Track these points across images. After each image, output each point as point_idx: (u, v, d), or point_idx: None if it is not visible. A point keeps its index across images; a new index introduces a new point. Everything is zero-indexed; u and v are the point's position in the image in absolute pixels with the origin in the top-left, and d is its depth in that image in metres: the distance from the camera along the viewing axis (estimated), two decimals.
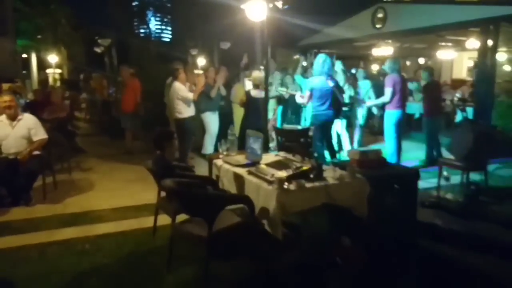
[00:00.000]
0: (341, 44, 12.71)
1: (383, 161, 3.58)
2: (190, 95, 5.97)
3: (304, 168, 3.18)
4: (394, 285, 2.98)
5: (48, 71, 19.22)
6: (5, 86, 9.03)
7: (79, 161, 6.89)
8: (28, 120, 4.77)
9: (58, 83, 17.34)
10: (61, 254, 3.47)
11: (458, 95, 11.39)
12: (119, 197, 5.02)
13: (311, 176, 3.12)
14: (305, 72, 7.69)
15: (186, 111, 6.05)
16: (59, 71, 19.17)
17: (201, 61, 14.58)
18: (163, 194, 3.62)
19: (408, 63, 19.15)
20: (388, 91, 6.15)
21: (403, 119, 6.27)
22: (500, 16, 6.99)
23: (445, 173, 4.94)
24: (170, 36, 35.01)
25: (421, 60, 18.92)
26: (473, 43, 9.48)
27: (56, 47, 15.46)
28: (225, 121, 6.85)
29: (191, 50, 8.62)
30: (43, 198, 4.81)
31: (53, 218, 4.28)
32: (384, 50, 13.36)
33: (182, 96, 5.95)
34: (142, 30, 29.83)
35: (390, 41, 12.56)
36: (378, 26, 10.51)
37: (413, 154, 6.87)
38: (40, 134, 4.79)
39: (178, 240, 3.23)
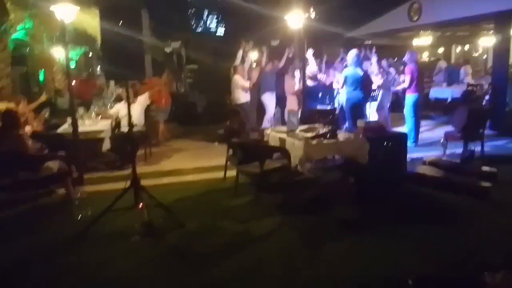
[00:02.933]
0: (383, 36, 13.86)
1: (381, 128, 5.09)
2: (246, 83, 7.82)
3: (323, 131, 4.80)
4: (378, 206, 4.52)
5: None
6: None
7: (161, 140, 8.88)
8: (140, 100, 6.86)
9: None
10: (165, 190, 5.32)
11: None
12: (195, 161, 6.86)
13: (328, 136, 4.73)
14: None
15: (243, 98, 7.90)
16: None
17: (254, 55, 16.39)
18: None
19: (458, 49, 19.65)
20: (407, 78, 7.50)
21: (420, 101, 7.59)
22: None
23: (441, 140, 6.28)
24: (223, 32, 36.48)
25: (468, 47, 19.36)
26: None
27: None
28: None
29: (242, 45, 10.38)
30: (145, 161, 6.80)
31: (155, 173, 6.19)
32: (424, 40, 14.35)
33: (241, 85, 7.81)
34: (199, 27, 31.98)
35: (429, 31, 13.48)
36: (414, 18, 11.59)
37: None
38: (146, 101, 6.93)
39: (240, 184, 5.00)
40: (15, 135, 4.48)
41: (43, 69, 12.48)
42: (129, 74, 4.11)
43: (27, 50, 9.54)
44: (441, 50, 19.87)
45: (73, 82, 13.47)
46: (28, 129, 5.17)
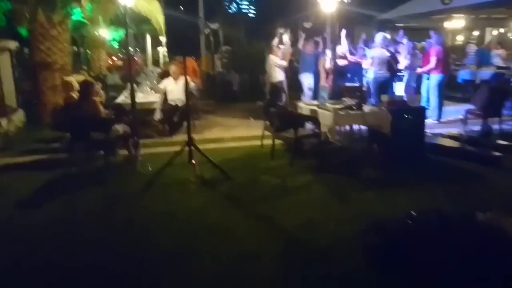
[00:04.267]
0: (415, 18, 14.09)
1: (403, 103, 5.68)
2: (283, 62, 8.48)
3: (350, 104, 5.46)
4: (399, 169, 5.16)
5: (159, 49, 23.03)
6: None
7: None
8: (183, 79, 7.61)
9: (167, 59, 20.94)
10: (210, 153, 6.10)
11: None
12: (234, 132, 7.64)
13: (354, 108, 5.39)
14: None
15: (279, 76, 8.57)
16: (166, 49, 22.80)
17: (286, 37, 16.99)
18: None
19: (494, 32, 19.41)
20: (433, 59, 7.97)
21: (444, 81, 8.06)
22: None
23: (460, 116, 6.79)
24: (255, 13, 37.14)
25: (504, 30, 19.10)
26: None
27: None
28: None
29: (278, 29, 10.98)
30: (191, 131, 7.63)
31: (200, 140, 6.88)
32: (457, 22, 14.47)
33: (278, 63, 8.47)
34: (232, 9, 32.58)
35: (462, 14, 13.60)
36: (446, 1, 11.84)
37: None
38: (192, 84, 7.60)
39: (276, 150, 5.74)
40: (91, 101, 5.37)
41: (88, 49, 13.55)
42: (188, 52, 4.87)
43: (83, 31, 10.49)
44: (476, 33, 19.70)
45: (121, 62, 14.58)
46: (97, 99, 6.04)
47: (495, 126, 6.94)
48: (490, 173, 5.02)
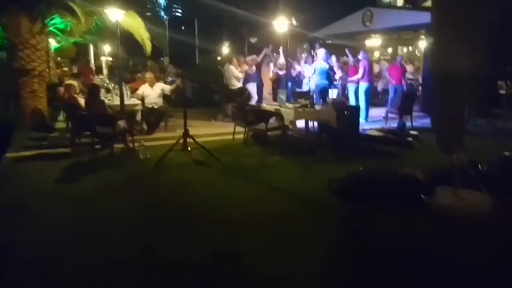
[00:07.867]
0: (341, 37, 16.47)
1: (344, 103, 7.54)
2: (240, 74, 10.03)
3: (306, 103, 7.18)
4: (342, 151, 6.94)
5: (102, 58, 23.48)
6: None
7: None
8: (160, 85, 8.86)
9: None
10: (194, 145, 7.46)
11: None
12: (206, 130, 9.00)
13: (309, 106, 7.11)
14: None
15: (238, 84, 10.11)
16: (110, 58, 23.32)
17: (225, 50, 18.59)
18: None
19: (405, 49, 22.78)
20: (361, 71, 10.06)
21: (370, 89, 10.19)
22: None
23: (383, 114, 8.88)
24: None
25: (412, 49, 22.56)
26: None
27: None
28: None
29: (224, 43, 12.52)
30: (165, 130, 8.87)
31: (176, 137, 8.28)
32: (375, 41, 17.12)
33: (235, 75, 10.01)
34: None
35: (378, 35, 16.23)
36: (367, 24, 14.26)
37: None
38: (167, 89, 8.86)
39: (248, 141, 7.25)
40: (99, 101, 6.48)
41: None
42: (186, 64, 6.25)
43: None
44: (390, 50, 22.92)
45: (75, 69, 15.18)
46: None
47: (408, 122, 9.11)
48: (404, 152, 6.99)
